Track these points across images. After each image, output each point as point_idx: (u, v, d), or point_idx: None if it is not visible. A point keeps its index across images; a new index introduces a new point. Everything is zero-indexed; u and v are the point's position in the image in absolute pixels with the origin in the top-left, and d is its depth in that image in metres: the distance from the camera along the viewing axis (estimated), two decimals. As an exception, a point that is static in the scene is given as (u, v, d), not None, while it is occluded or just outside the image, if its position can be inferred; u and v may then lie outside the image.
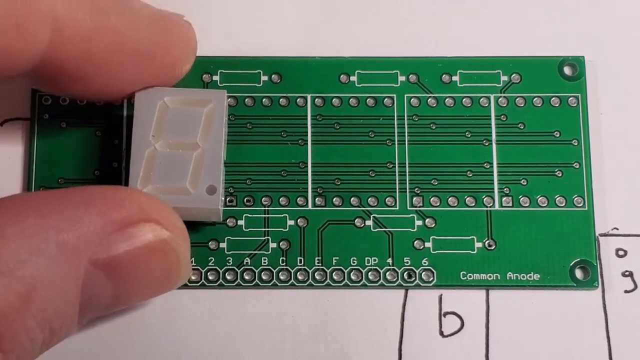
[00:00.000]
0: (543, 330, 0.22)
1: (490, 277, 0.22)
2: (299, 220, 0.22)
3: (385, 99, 0.23)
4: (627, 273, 0.22)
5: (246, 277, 0.22)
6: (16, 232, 0.16)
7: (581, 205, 0.22)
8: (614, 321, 0.22)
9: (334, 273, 0.22)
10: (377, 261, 0.22)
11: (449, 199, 0.22)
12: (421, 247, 0.22)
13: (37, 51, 0.18)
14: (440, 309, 0.22)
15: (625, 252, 0.23)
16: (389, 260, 0.22)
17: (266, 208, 0.22)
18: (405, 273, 0.22)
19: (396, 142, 0.23)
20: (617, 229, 0.23)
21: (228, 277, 0.22)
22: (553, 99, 0.23)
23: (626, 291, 0.22)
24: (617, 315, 0.22)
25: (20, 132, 0.23)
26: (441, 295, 0.22)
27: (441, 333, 0.22)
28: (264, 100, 0.23)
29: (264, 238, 0.22)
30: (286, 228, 0.22)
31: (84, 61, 0.19)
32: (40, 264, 0.16)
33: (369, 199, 0.22)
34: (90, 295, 0.17)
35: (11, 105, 0.23)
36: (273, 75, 0.23)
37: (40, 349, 0.17)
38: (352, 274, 0.22)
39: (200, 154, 0.21)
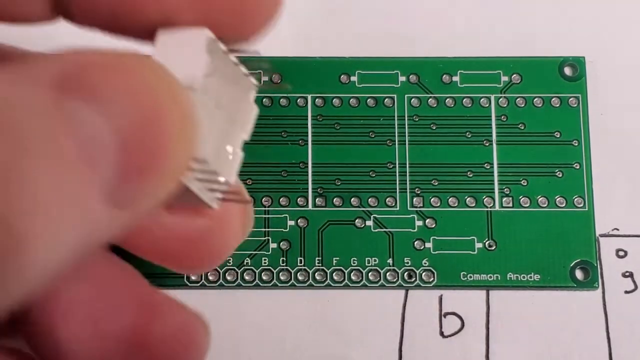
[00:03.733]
0: (543, 331, 0.22)
1: (490, 277, 0.22)
2: (299, 221, 0.22)
3: (386, 99, 0.23)
4: (627, 274, 0.22)
5: (246, 278, 0.22)
6: None
7: (581, 205, 0.22)
8: (614, 322, 0.22)
9: (334, 273, 0.22)
10: (377, 261, 0.22)
11: (450, 199, 0.22)
12: (421, 248, 0.22)
13: None
14: (441, 309, 0.22)
15: (626, 253, 0.23)
16: (389, 261, 0.22)
17: (266, 208, 0.22)
18: (406, 273, 0.22)
19: (396, 143, 0.23)
20: (618, 229, 0.23)
21: (228, 278, 0.22)
22: (553, 99, 0.23)
23: (626, 292, 0.22)
24: (617, 315, 0.22)
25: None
26: (441, 295, 0.22)
27: (441, 333, 0.22)
28: (264, 100, 0.23)
29: (264, 238, 0.22)
30: (286, 228, 0.22)
31: None
32: None
33: (369, 199, 0.22)
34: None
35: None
36: (273, 75, 0.23)
37: None
38: (352, 274, 0.22)
39: None
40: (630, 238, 0.23)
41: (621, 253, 0.22)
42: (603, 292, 0.22)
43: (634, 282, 0.22)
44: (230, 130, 0.14)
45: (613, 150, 0.23)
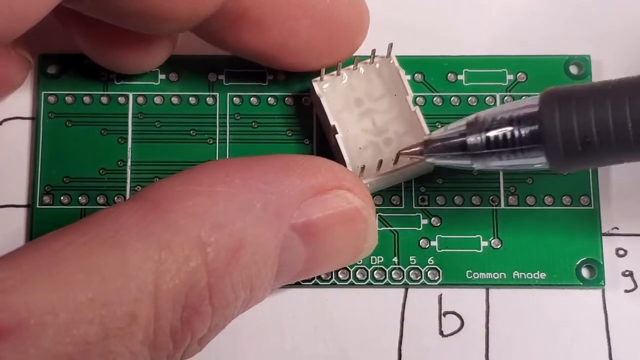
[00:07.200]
0: (543, 330, 0.22)
1: (496, 275, 0.22)
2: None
3: (391, 98, 0.23)
4: (627, 273, 0.22)
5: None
6: (225, 192, 0.16)
7: (587, 204, 0.22)
8: (614, 320, 0.22)
9: (339, 272, 0.22)
10: (382, 260, 0.22)
11: (455, 197, 0.22)
12: (427, 246, 0.22)
13: None
14: (440, 309, 0.22)
15: (626, 252, 0.22)
16: (395, 259, 0.22)
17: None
18: (411, 272, 0.22)
19: (402, 141, 0.23)
20: (617, 228, 0.23)
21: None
22: (559, 97, 0.23)
23: (626, 290, 0.22)
24: (617, 314, 0.22)
25: (26, 129, 0.23)
26: (441, 295, 0.22)
27: (441, 333, 0.22)
28: (269, 99, 0.23)
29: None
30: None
31: (263, 6, 0.20)
32: (248, 222, 0.16)
33: (375, 198, 0.22)
34: (286, 259, 0.17)
35: (13, 102, 0.23)
36: (279, 74, 0.23)
37: (240, 308, 0.17)
38: (357, 272, 0.22)
39: None
40: (630, 237, 0.23)
41: (621, 252, 0.22)
42: (603, 291, 0.22)
43: (633, 281, 0.22)
44: None
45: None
